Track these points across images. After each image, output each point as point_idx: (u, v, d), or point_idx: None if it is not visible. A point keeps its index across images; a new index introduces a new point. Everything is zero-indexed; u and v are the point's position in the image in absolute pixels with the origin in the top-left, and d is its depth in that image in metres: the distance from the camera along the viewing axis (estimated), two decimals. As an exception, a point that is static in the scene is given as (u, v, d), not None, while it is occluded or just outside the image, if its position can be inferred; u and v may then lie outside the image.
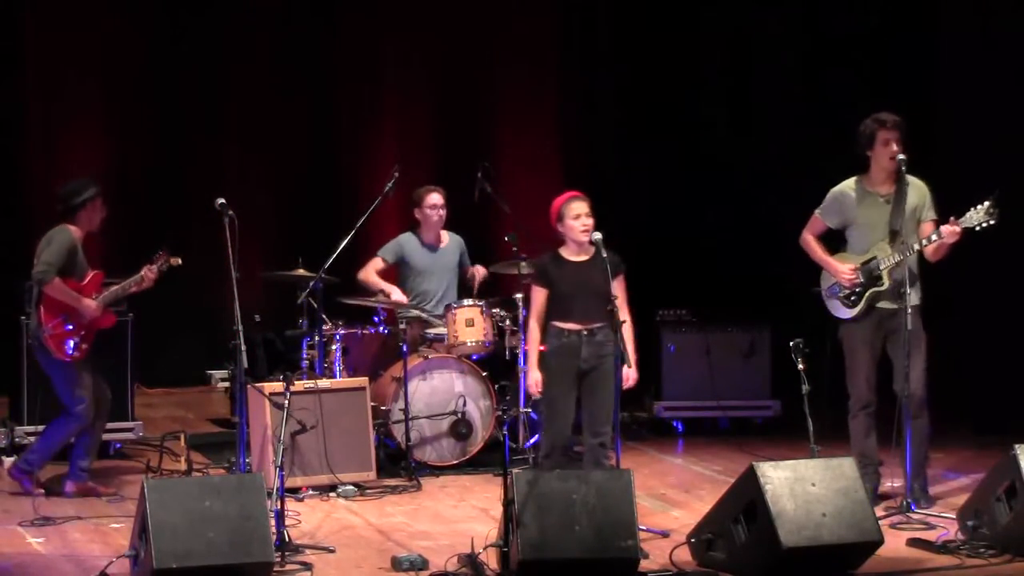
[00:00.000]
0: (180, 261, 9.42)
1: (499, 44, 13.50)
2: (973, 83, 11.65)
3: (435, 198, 10.53)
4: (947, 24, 12.03)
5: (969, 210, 8.57)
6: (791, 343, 8.13)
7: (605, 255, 8.17)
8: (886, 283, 8.76)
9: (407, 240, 10.59)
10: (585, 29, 13.66)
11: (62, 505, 8.96)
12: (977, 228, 8.56)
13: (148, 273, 9.36)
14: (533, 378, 8.36)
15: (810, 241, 9.05)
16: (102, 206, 9.34)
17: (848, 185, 8.96)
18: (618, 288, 8.21)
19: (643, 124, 13.39)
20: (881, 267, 8.77)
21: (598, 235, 8.25)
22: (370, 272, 10.50)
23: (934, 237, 8.68)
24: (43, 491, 9.30)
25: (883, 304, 8.80)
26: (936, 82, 12.11)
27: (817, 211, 9.04)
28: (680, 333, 11.38)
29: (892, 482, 9.05)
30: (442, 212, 10.53)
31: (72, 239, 9.22)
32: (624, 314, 8.21)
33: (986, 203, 8.52)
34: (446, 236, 10.65)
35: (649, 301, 11.17)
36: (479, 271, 10.70)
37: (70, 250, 9.18)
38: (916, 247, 8.72)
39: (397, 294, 10.38)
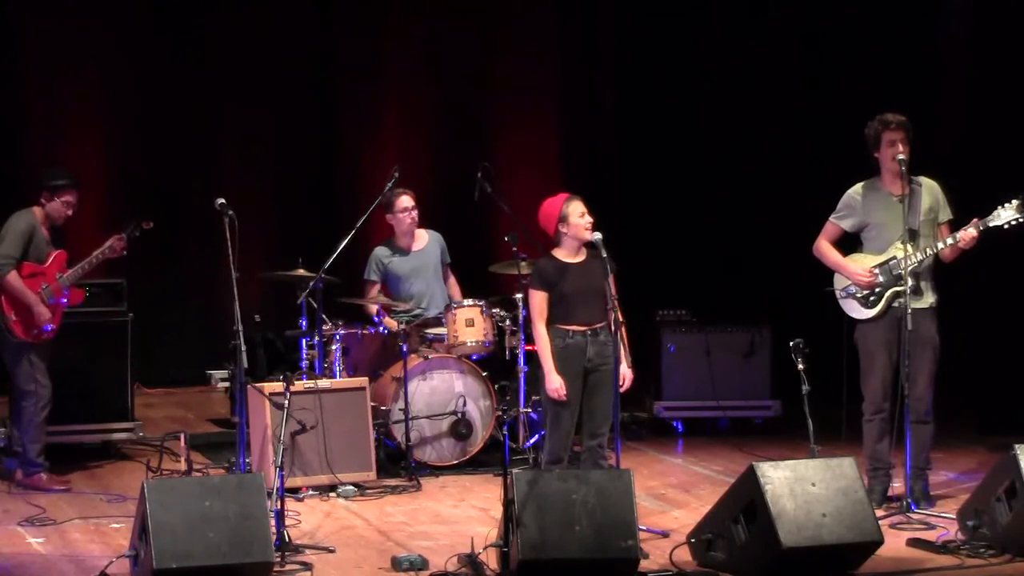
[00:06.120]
0: (151, 224, 9.55)
1: (499, 43, 13.51)
2: (973, 83, 11.65)
3: (405, 201, 10.37)
4: (947, 24, 12.04)
5: (996, 208, 8.53)
6: (791, 343, 8.12)
7: (605, 255, 8.17)
8: (908, 283, 8.64)
9: (380, 253, 10.47)
10: (586, 28, 13.66)
11: (62, 506, 8.96)
12: (1006, 226, 8.51)
13: (117, 242, 9.42)
14: (556, 382, 8.20)
15: (824, 248, 8.94)
16: (73, 201, 9.35)
17: (861, 186, 8.91)
18: (611, 287, 8.21)
19: (644, 124, 13.39)
20: (902, 267, 8.65)
21: (598, 235, 8.24)
22: (370, 303, 10.40)
23: (950, 241, 8.65)
24: (68, 482, 9.40)
25: (902, 303, 8.65)
26: (936, 82, 12.12)
27: (832, 217, 8.95)
28: (680, 333, 11.35)
29: (893, 483, 9.04)
30: (414, 214, 10.38)
31: (31, 222, 9.25)
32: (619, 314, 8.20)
33: (1015, 201, 8.49)
34: (424, 235, 10.52)
35: (649, 301, 11.18)
36: None
37: (26, 235, 9.21)
38: (939, 246, 8.65)
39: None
